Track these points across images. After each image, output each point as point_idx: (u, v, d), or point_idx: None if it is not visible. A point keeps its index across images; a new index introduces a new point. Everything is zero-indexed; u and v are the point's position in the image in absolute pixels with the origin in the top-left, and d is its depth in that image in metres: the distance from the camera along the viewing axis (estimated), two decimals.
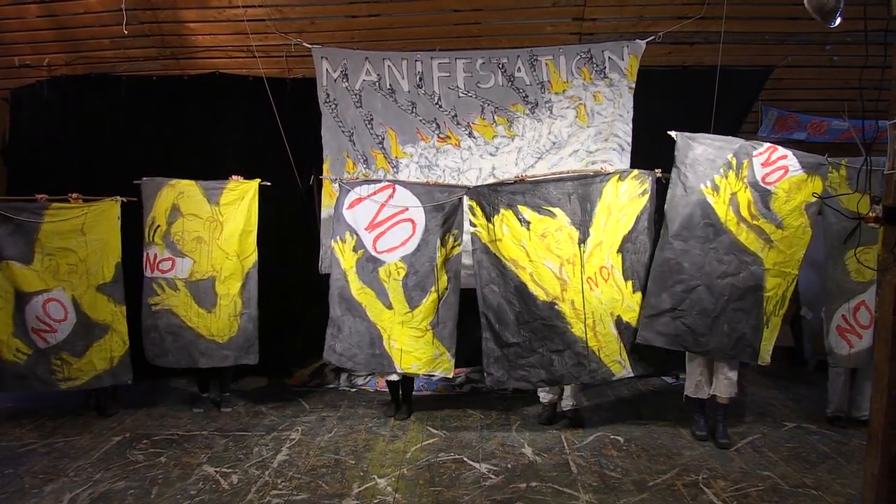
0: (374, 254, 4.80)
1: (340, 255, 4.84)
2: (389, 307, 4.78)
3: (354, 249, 4.83)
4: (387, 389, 5.22)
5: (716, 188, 4.35)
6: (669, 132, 4.45)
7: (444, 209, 4.75)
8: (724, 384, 4.37)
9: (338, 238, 4.86)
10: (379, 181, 4.92)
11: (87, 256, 4.89)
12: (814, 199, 4.31)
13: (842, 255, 4.47)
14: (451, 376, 4.91)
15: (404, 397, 5.09)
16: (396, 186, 4.83)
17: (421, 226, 4.77)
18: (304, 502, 3.49)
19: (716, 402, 4.42)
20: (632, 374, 4.59)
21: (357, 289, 4.81)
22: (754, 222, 4.32)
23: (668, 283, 4.40)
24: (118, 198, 4.95)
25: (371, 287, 4.80)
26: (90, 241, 4.90)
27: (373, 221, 4.82)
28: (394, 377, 4.92)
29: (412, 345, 4.74)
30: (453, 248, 4.75)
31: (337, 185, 4.92)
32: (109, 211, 4.94)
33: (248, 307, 5.00)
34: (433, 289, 4.73)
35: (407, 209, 4.79)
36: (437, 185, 4.92)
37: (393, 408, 5.05)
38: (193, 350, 4.96)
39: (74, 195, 4.91)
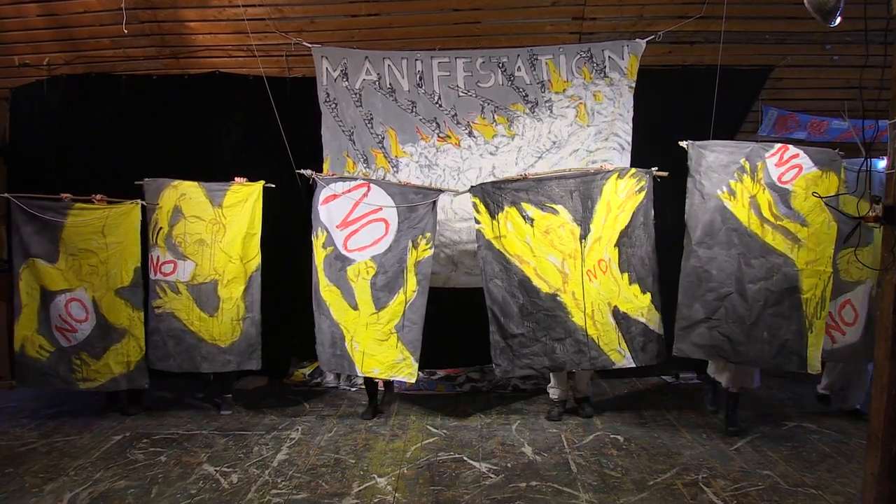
0: (343, 252, 4.83)
1: (315, 251, 4.88)
2: (355, 308, 4.79)
3: (324, 246, 4.86)
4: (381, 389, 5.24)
5: (732, 192, 4.37)
6: (680, 142, 4.51)
7: (417, 210, 4.78)
8: (743, 372, 4.48)
9: (314, 233, 4.90)
10: (354, 179, 4.96)
11: (106, 259, 4.88)
12: (832, 194, 4.22)
13: (833, 253, 4.48)
14: (413, 381, 4.87)
15: (387, 389, 5.07)
16: (371, 185, 4.86)
17: (393, 226, 4.79)
18: (304, 501, 3.49)
19: (728, 390, 4.54)
20: (634, 365, 4.68)
21: (324, 286, 4.84)
22: (779, 223, 4.30)
23: (699, 293, 4.38)
24: (138, 201, 4.91)
25: (337, 285, 4.82)
26: (110, 244, 4.88)
27: (346, 219, 4.85)
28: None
29: (375, 348, 4.74)
30: (424, 250, 4.76)
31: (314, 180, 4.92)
32: (129, 214, 4.90)
33: (250, 311, 4.97)
34: (401, 290, 4.74)
35: (380, 209, 4.81)
36: (411, 187, 4.96)
37: (370, 410, 5.00)
38: (195, 354, 4.93)
39: (98, 196, 4.89)
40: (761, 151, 4.39)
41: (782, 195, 4.31)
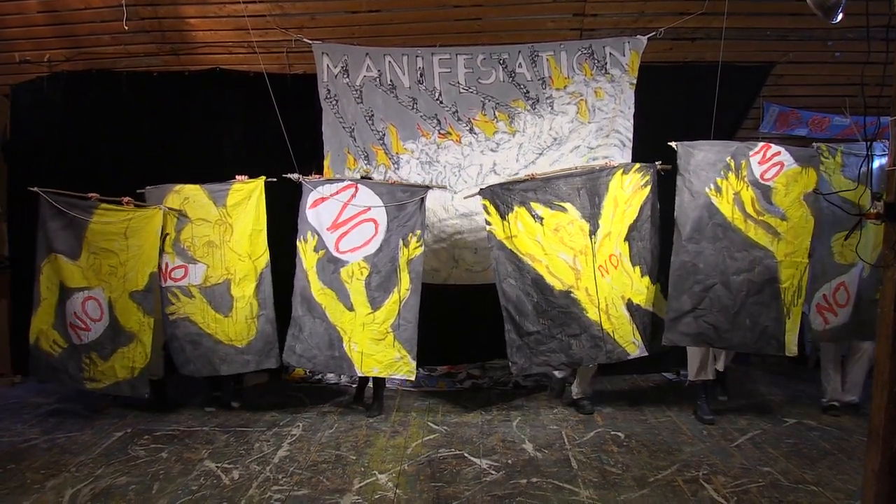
0: (336, 254, 4.84)
1: (303, 255, 4.89)
2: (350, 309, 4.80)
3: (315, 250, 4.86)
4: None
5: (718, 189, 4.56)
6: (669, 143, 4.66)
7: (406, 209, 4.79)
8: (726, 354, 4.84)
9: (301, 237, 4.89)
10: (342, 180, 4.96)
11: (126, 260, 4.86)
12: (811, 190, 4.49)
13: (829, 237, 4.64)
14: (413, 379, 4.88)
15: (376, 394, 5.07)
16: (359, 186, 4.87)
17: (383, 226, 4.81)
18: (305, 498, 3.50)
19: (718, 372, 4.87)
20: (647, 354, 4.80)
21: (317, 290, 4.84)
22: (760, 218, 4.53)
23: (687, 285, 4.57)
24: (161, 206, 4.90)
25: (332, 288, 4.83)
26: (131, 246, 4.87)
27: (335, 221, 4.86)
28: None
29: (373, 348, 4.75)
30: (416, 248, 4.77)
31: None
32: (152, 219, 4.87)
33: (264, 308, 4.94)
34: (396, 289, 4.76)
35: (369, 209, 4.82)
36: (399, 185, 4.97)
37: (361, 408, 5.00)
38: (213, 357, 4.91)
39: (127, 199, 4.89)
40: (745, 150, 4.60)
41: (764, 192, 4.55)
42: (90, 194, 4.87)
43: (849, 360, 4.87)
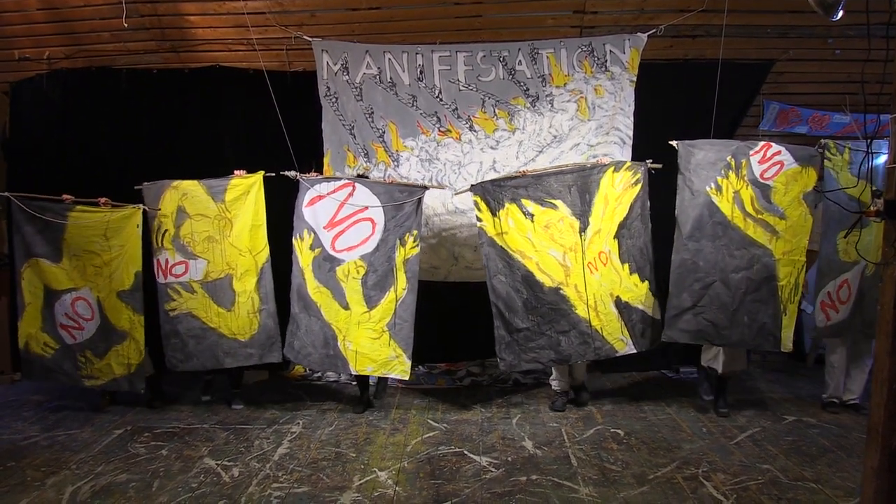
0: (332, 253, 4.84)
1: (299, 253, 4.89)
2: (346, 307, 4.80)
3: (311, 248, 4.87)
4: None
5: (718, 188, 4.60)
6: (670, 142, 4.69)
7: (403, 209, 4.79)
8: (734, 358, 4.77)
9: (297, 235, 4.89)
10: (339, 179, 4.96)
11: (110, 260, 4.87)
12: (810, 189, 4.55)
13: (834, 234, 4.66)
14: (407, 378, 4.87)
15: (379, 381, 5.11)
16: (356, 185, 4.87)
17: (380, 225, 4.81)
18: (305, 495, 3.51)
19: (720, 374, 4.81)
20: (635, 350, 4.84)
21: (313, 288, 4.85)
22: (759, 216, 4.57)
23: (687, 283, 4.62)
24: (140, 206, 4.88)
25: (327, 286, 4.83)
26: (112, 246, 4.86)
27: (332, 220, 4.86)
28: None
29: (368, 346, 4.76)
30: (412, 248, 4.77)
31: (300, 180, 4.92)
32: (131, 218, 4.86)
33: (265, 303, 4.95)
34: (392, 289, 4.76)
35: (366, 208, 4.82)
36: (396, 185, 4.97)
37: (362, 403, 5.03)
38: (218, 350, 4.93)
39: (103, 200, 4.86)
40: (746, 149, 4.64)
41: (763, 191, 4.59)
42: (64, 196, 4.84)
43: (851, 363, 4.84)
